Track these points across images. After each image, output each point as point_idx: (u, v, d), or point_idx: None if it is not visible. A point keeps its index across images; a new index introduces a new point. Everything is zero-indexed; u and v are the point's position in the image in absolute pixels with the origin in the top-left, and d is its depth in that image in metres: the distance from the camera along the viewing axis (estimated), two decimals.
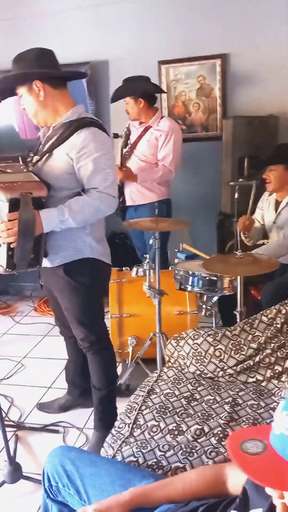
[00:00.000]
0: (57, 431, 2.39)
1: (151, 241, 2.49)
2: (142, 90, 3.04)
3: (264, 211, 2.90)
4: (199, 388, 1.73)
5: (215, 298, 2.57)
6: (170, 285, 2.60)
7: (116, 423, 1.65)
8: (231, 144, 3.24)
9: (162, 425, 1.57)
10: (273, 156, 2.75)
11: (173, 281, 2.60)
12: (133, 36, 3.72)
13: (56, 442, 2.30)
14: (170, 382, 1.79)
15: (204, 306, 2.59)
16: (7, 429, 2.38)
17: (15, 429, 2.42)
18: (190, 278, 2.47)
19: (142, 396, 1.72)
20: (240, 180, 2.93)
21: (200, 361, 1.83)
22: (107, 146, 1.86)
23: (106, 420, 2.21)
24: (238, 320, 2.31)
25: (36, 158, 1.91)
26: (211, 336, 1.84)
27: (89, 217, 1.85)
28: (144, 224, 2.53)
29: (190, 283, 2.47)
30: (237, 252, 2.21)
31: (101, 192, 1.83)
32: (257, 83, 3.52)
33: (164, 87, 3.59)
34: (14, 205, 1.68)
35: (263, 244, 2.94)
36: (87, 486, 1.26)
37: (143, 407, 1.66)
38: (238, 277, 2.22)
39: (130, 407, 1.68)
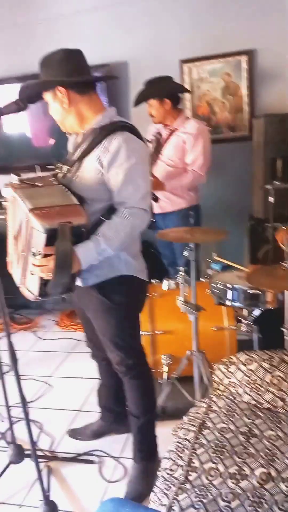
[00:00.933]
0: (91, 461, 2.21)
1: (185, 253, 2.30)
2: (168, 90, 2.87)
3: None
4: (257, 421, 1.54)
5: (257, 313, 2.38)
6: (205, 298, 2.40)
7: (167, 463, 1.47)
8: (262, 144, 3.05)
9: (221, 468, 1.38)
10: None
11: (209, 295, 2.41)
12: (151, 36, 3.56)
13: (91, 474, 2.14)
14: (223, 414, 1.60)
15: (244, 321, 2.40)
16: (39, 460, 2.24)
17: (47, 460, 2.26)
18: (230, 292, 2.27)
19: (193, 431, 1.54)
20: (276, 182, 2.74)
21: (255, 390, 1.64)
22: (140, 154, 1.69)
23: (146, 451, 2.04)
24: (286, 337, 2.12)
25: (65, 168, 1.75)
26: (267, 362, 1.66)
27: (126, 238, 1.68)
28: (178, 235, 2.35)
29: (229, 297, 2.27)
30: (284, 263, 2.01)
31: (131, 208, 1.66)
32: (286, 79, 3.33)
33: (187, 87, 3.41)
34: (51, 237, 1.49)
35: None
36: None
37: (196, 446, 1.48)
38: (286, 291, 2.03)
39: (181, 445, 1.50)
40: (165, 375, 2.54)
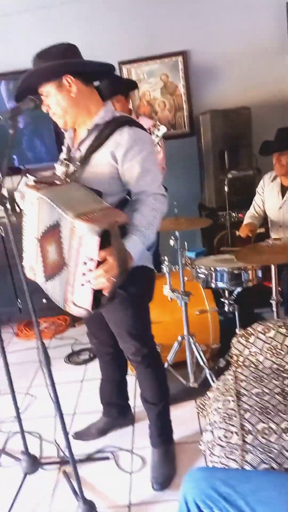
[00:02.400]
0: (107, 458, 2.22)
1: (171, 242, 2.40)
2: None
3: (266, 196, 2.93)
4: (286, 382, 1.70)
5: (237, 292, 2.56)
6: (186, 285, 2.53)
7: (218, 433, 1.56)
8: (210, 138, 3.25)
9: (273, 425, 1.51)
10: (282, 141, 2.75)
11: (191, 281, 2.54)
12: (86, 38, 3.58)
13: (111, 469, 2.15)
14: (253, 381, 1.73)
15: (226, 301, 2.57)
16: (49, 466, 2.20)
17: (59, 465, 2.21)
18: (214, 274, 2.43)
19: (233, 401, 1.65)
20: (234, 172, 2.95)
21: (276, 355, 1.80)
22: (149, 145, 1.74)
23: (165, 435, 2.10)
24: (274, 309, 2.32)
25: (74, 166, 1.73)
26: (283, 327, 1.82)
27: (157, 225, 1.69)
28: (164, 224, 2.43)
29: (214, 279, 2.43)
30: (269, 241, 2.20)
31: (154, 195, 1.70)
32: (219, 77, 3.57)
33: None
34: (104, 239, 1.40)
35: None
36: (253, 503, 1.16)
37: (242, 412, 1.59)
38: (272, 266, 2.22)
39: (227, 415, 1.60)
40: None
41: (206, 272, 2.44)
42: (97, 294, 1.49)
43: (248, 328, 1.91)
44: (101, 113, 1.73)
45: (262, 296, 2.70)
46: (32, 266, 1.70)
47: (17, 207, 3.78)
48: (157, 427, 2.07)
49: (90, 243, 1.42)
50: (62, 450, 2.22)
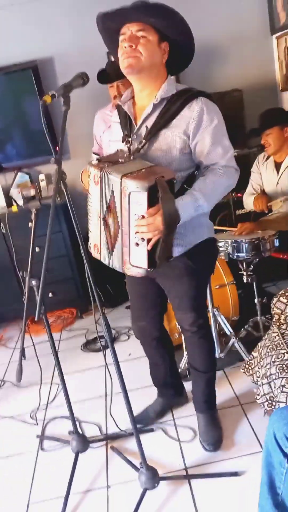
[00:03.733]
0: (152, 430, 2.27)
1: None
2: None
3: (263, 174, 3.07)
4: None
5: (254, 263, 2.66)
6: None
7: (281, 382, 1.66)
8: None
9: None
10: (267, 121, 2.90)
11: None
12: (75, 30, 3.62)
13: (162, 440, 2.20)
14: None
15: (245, 273, 2.67)
16: (96, 444, 2.23)
17: (105, 442, 2.26)
18: (237, 246, 2.52)
19: (286, 352, 1.75)
20: (236, 150, 3.04)
21: None
22: (219, 115, 1.70)
23: (212, 401, 2.18)
24: None
25: (139, 142, 1.68)
26: None
27: (220, 197, 1.70)
28: None
29: (238, 251, 2.53)
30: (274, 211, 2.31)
31: (225, 167, 1.67)
32: (209, 61, 3.66)
33: None
34: (152, 195, 1.45)
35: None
36: None
37: None
38: None
39: (285, 366, 1.70)
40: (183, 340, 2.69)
41: (228, 245, 2.53)
42: (152, 255, 1.55)
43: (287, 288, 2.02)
44: (165, 86, 1.69)
45: (274, 268, 2.84)
46: (97, 244, 1.72)
47: (14, 203, 3.76)
48: (205, 393, 2.13)
49: (139, 199, 1.47)
50: (117, 425, 2.22)
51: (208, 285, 2.03)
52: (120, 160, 1.61)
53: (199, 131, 1.65)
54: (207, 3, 3.59)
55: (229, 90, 3.48)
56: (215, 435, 2.10)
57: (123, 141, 1.72)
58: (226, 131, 1.71)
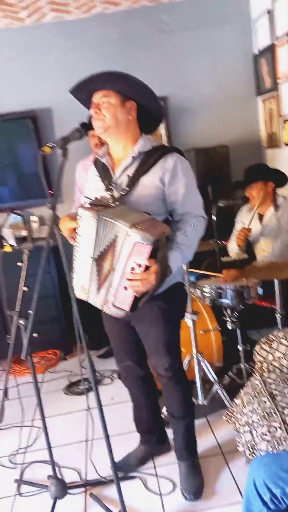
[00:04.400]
0: (133, 477, 2.24)
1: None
2: None
3: (246, 224, 3.18)
4: None
5: (239, 309, 2.72)
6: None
7: (262, 430, 1.68)
8: (195, 174, 3.51)
9: None
10: (251, 176, 3.06)
11: (199, 301, 2.70)
12: (72, 82, 3.80)
13: (142, 488, 2.18)
14: (281, 383, 1.87)
15: (229, 319, 2.72)
16: (75, 490, 2.19)
17: (84, 488, 2.22)
18: (222, 292, 2.59)
19: (268, 401, 1.78)
20: (223, 201, 3.19)
21: None
22: (190, 170, 1.91)
23: (191, 448, 2.17)
24: (278, 322, 2.51)
25: (120, 189, 1.84)
26: None
27: (196, 245, 1.86)
28: None
29: (222, 297, 2.59)
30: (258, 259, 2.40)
31: (197, 216, 1.86)
32: (196, 119, 3.89)
33: None
34: (154, 248, 1.57)
35: (243, 259, 3.19)
36: None
37: (280, 409, 1.72)
38: (276, 281, 2.43)
39: (266, 414, 1.72)
40: None
41: (213, 291, 2.60)
42: (137, 300, 1.67)
43: (270, 335, 2.07)
44: (141, 141, 1.88)
45: (258, 316, 2.91)
46: (84, 285, 1.78)
47: (4, 243, 3.81)
48: (184, 440, 2.14)
49: (142, 250, 1.58)
50: (97, 472, 2.21)
51: (179, 329, 2.07)
52: (111, 204, 1.73)
53: (173, 182, 1.82)
54: (198, 65, 3.84)
55: (217, 146, 3.67)
56: (195, 484, 2.08)
57: (107, 190, 1.86)
58: (196, 184, 1.91)
